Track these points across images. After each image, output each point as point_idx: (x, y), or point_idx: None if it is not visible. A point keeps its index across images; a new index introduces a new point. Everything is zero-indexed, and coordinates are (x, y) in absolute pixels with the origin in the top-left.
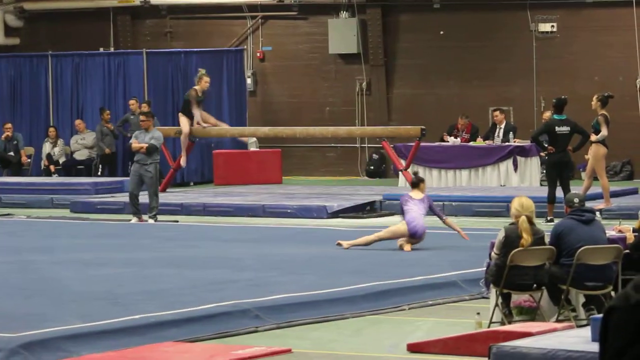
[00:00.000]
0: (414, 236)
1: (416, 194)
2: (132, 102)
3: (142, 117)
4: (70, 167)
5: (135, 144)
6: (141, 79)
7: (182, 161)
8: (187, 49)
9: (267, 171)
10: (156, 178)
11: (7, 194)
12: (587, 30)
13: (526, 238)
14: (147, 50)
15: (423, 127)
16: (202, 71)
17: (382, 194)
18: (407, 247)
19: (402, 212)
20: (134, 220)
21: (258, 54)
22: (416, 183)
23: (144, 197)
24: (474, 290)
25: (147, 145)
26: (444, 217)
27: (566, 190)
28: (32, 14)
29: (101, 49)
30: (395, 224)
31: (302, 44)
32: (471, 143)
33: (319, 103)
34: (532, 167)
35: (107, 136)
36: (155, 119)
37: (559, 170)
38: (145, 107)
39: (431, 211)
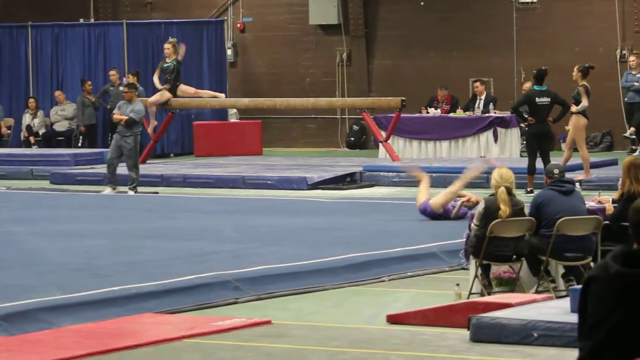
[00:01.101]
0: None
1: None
2: (112, 72)
3: (124, 89)
4: (50, 138)
5: (116, 115)
6: (121, 50)
7: (150, 128)
8: (167, 20)
9: (248, 142)
10: (135, 150)
11: None
12: (567, 1)
13: (504, 209)
14: (127, 21)
15: (403, 98)
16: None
17: (362, 165)
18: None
19: None
20: (107, 190)
21: (238, 25)
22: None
23: (124, 169)
24: (453, 262)
25: (126, 118)
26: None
27: (546, 161)
28: None
29: (81, 20)
30: (376, 195)
31: (283, 14)
32: (451, 114)
33: (299, 74)
34: (512, 138)
35: (88, 107)
36: (141, 89)
37: (539, 141)
38: (131, 79)
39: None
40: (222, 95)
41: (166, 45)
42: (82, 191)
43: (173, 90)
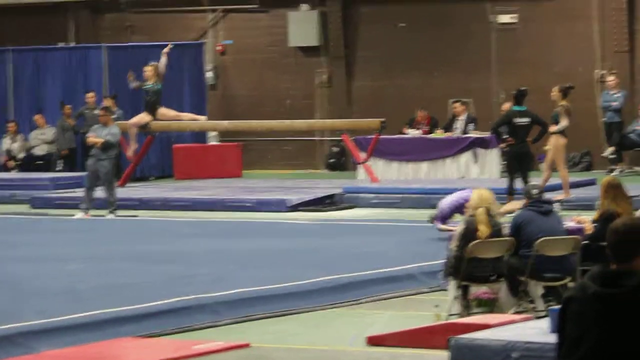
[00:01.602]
0: None
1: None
2: (89, 95)
3: (101, 112)
4: (30, 162)
5: (91, 137)
6: (101, 74)
7: (129, 151)
8: (148, 43)
9: (227, 165)
10: (112, 173)
11: None
12: (546, 22)
13: (482, 230)
14: (108, 45)
15: (383, 119)
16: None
17: (342, 187)
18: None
19: None
20: (79, 215)
21: (218, 48)
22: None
23: (101, 192)
24: (432, 283)
25: (103, 140)
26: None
27: (525, 181)
28: None
29: (61, 44)
30: (355, 217)
31: (263, 37)
32: (431, 135)
33: (280, 96)
34: (492, 159)
35: (68, 131)
36: (120, 112)
37: (519, 162)
38: (108, 102)
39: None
40: (203, 117)
41: (146, 68)
42: (62, 215)
43: (153, 113)
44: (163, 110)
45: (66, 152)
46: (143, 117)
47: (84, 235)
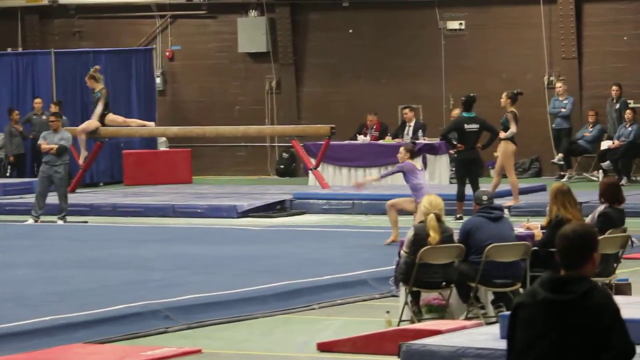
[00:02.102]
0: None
1: (417, 164)
2: (37, 101)
3: (52, 118)
4: None
5: (44, 145)
6: (50, 79)
7: (81, 158)
8: (96, 49)
9: (177, 171)
10: (66, 179)
11: None
12: (495, 28)
13: (433, 236)
14: (56, 50)
15: (333, 125)
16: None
17: (292, 193)
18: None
19: (407, 181)
20: (30, 221)
21: (167, 54)
22: (417, 152)
23: (52, 198)
24: (383, 289)
25: (57, 146)
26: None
27: (475, 187)
28: None
29: (9, 49)
30: (306, 222)
31: (212, 43)
32: (380, 141)
33: (229, 102)
34: (442, 165)
35: (16, 137)
36: (64, 119)
37: (468, 168)
38: (54, 108)
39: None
40: (151, 124)
41: (85, 79)
42: (11, 221)
43: (101, 119)
44: (111, 117)
45: (13, 158)
46: (91, 123)
47: (33, 242)
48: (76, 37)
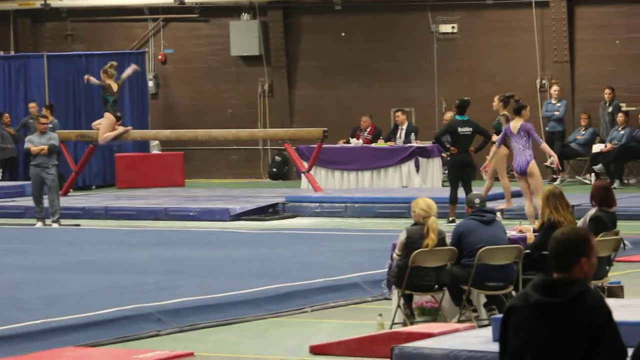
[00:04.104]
0: (521, 174)
1: (514, 124)
2: (32, 105)
3: (43, 120)
4: None
5: (33, 147)
6: (42, 82)
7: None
8: (88, 52)
9: (170, 174)
10: (58, 181)
11: None
12: (487, 32)
13: (433, 238)
14: (48, 54)
15: (325, 129)
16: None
17: (285, 196)
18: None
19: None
20: (39, 224)
21: (160, 57)
22: (517, 110)
23: (45, 201)
24: (376, 292)
25: (48, 146)
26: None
27: (468, 190)
28: None
29: (1, 52)
30: (298, 226)
31: (204, 46)
32: (373, 144)
33: (221, 105)
34: (434, 168)
35: (7, 139)
36: (55, 121)
37: (461, 171)
38: (45, 112)
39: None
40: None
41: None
42: (4, 224)
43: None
44: (97, 121)
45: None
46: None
47: (26, 245)
48: (68, 40)
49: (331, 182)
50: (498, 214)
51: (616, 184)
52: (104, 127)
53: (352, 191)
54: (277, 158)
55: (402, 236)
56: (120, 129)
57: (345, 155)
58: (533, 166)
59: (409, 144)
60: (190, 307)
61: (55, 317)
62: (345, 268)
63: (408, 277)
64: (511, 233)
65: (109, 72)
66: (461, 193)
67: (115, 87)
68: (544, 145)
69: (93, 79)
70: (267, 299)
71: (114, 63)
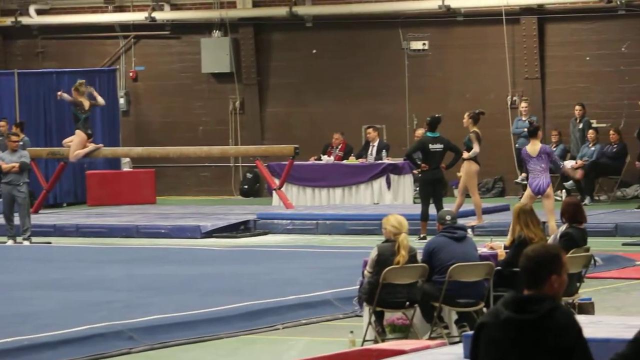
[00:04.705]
0: (538, 194)
1: (533, 147)
2: (1, 123)
3: (13, 138)
4: None
5: (4, 165)
6: (13, 100)
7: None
8: (59, 69)
9: (141, 191)
10: (29, 199)
11: None
12: (458, 48)
13: (404, 255)
14: (19, 71)
15: (296, 145)
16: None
17: (256, 213)
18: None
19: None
20: (10, 242)
21: (131, 74)
22: (533, 132)
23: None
24: (347, 309)
25: (19, 164)
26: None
27: (439, 207)
28: None
29: None
30: (270, 243)
31: (175, 63)
32: (344, 161)
33: (193, 122)
34: (405, 185)
35: None
36: (26, 139)
37: (432, 188)
38: (15, 129)
39: (550, 159)
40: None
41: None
42: None
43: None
44: (67, 139)
45: None
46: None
47: None
48: (39, 57)
49: (302, 199)
50: (469, 230)
51: (587, 200)
52: (75, 145)
53: (324, 208)
54: (249, 175)
55: (374, 253)
56: (91, 146)
57: (317, 172)
58: (551, 189)
59: (380, 161)
60: (162, 325)
61: (27, 335)
62: (316, 285)
63: (379, 294)
64: (482, 250)
65: (80, 90)
66: (432, 210)
67: (87, 104)
68: (567, 169)
69: (66, 95)
70: (239, 316)
71: (83, 81)
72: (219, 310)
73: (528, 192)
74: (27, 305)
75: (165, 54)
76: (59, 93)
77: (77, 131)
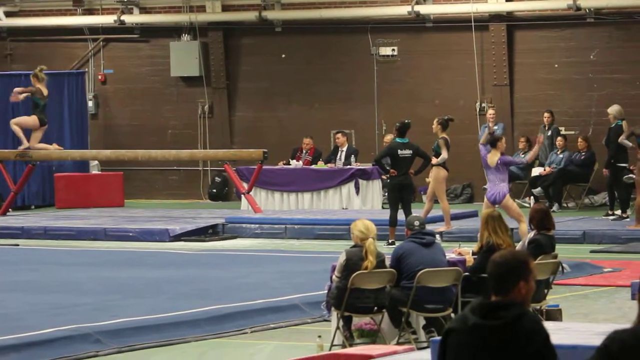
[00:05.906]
0: (494, 204)
1: (492, 158)
2: None
3: None
4: None
5: None
6: None
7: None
8: (28, 72)
9: (109, 194)
10: None
11: None
12: (427, 54)
13: (372, 260)
14: None
15: (265, 150)
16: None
17: (225, 217)
18: None
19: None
20: None
21: (99, 77)
22: (492, 142)
23: None
24: (315, 313)
25: None
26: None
27: (407, 213)
28: None
29: None
30: (238, 247)
31: (144, 66)
32: (313, 166)
33: (161, 126)
34: (374, 190)
35: None
36: None
37: (401, 193)
38: None
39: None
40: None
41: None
42: None
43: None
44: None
45: None
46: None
47: None
48: (8, 60)
49: (271, 203)
50: (437, 236)
51: (555, 207)
52: (26, 124)
53: (292, 212)
54: (217, 179)
55: (342, 258)
56: (52, 146)
57: (285, 177)
58: (508, 199)
59: (349, 166)
60: (129, 328)
61: None
62: (285, 289)
63: (347, 299)
64: (450, 255)
65: (39, 76)
66: (401, 215)
67: (45, 91)
68: (529, 158)
69: (20, 96)
70: (208, 319)
71: (44, 67)
72: (187, 314)
73: (485, 201)
74: None
75: (134, 57)
76: (12, 97)
77: (33, 116)
